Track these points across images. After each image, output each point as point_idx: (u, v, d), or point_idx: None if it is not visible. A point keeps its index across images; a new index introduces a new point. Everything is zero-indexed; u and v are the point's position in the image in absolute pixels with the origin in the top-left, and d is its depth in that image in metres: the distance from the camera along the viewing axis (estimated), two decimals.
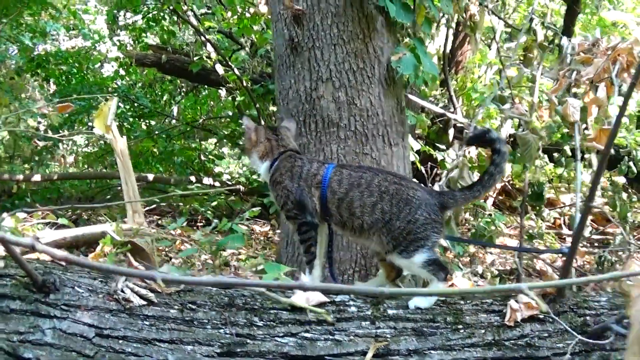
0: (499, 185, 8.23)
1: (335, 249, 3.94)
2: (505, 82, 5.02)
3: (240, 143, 3.20)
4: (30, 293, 2.48)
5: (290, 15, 4.07)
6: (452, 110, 7.99)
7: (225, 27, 9.31)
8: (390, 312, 2.70)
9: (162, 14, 12.06)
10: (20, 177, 10.33)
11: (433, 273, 2.82)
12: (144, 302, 2.54)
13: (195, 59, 9.17)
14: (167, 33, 12.40)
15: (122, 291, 2.56)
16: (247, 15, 8.41)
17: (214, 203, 9.40)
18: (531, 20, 5.15)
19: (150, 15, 12.03)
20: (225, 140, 11.17)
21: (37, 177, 10.29)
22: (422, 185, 3.21)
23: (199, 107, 13.11)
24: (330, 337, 2.53)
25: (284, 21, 4.14)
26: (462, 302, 2.83)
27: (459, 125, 7.96)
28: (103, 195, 11.99)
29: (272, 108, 8.69)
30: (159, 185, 10.93)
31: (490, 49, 9.95)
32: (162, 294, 2.60)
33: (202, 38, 9.21)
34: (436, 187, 4.01)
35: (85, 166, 15.17)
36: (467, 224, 7.69)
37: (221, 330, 2.49)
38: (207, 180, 9.83)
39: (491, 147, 3.01)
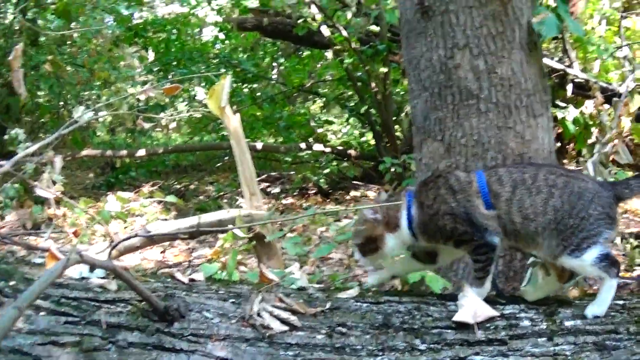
0: None
1: None
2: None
3: (358, 242, 2.74)
4: (151, 322, 2.23)
5: None
6: (568, 64, 7.52)
7: None
8: (567, 323, 2.34)
9: None
10: (124, 152, 10.35)
11: (605, 270, 2.47)
12: (286, 328, 2.23)
13: (299, 21, 8.89)
14: None
15: (259, 315, 2.26)
16: None
17: (326, 170, 9.18)
18: None
19: None
20: (333, 103, 10.90)
21: (141, 152, 10.31)
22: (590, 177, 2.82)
23: (302, 70, 12.85)
24: (505, 359, 2.20)
25: None
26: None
27: (577, 80, 7.50)
28: (211, 165, 12.00)
29: (383, 69, 8.34)
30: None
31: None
32: (306, 316, 2.31)
33: None
34: (589, 166, 3.57)
35: (189, 135, 15.27)
36: None
37: (378, 359, 2.18)
38: (317, 147, 9.60)
39: None
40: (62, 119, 12.23)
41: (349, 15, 8.67)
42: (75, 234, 4.56)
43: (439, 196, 2.67)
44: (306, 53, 12.83)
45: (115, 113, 4.39)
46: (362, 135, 12.10)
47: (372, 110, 9.66)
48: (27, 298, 1.86)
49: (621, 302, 2.52)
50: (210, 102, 3.75)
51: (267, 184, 10.08)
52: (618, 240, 5.64)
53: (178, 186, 10.70)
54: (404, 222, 2.70)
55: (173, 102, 11.39)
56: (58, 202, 7.55)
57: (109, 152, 10.16)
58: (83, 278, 2.48)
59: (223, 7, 13.46)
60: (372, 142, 10.84)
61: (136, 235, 2.70)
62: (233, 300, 2.39)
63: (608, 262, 2.48)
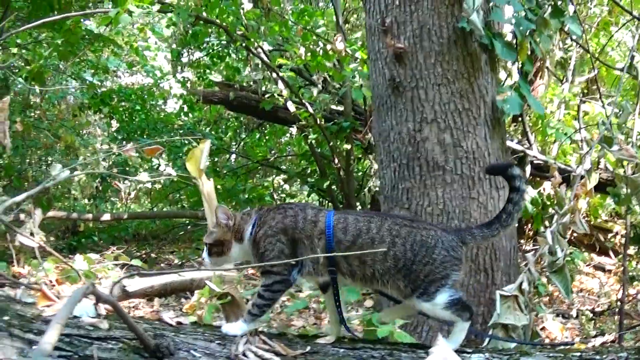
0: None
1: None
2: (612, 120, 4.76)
3: (208, 242, 2.79)
4: (142, 359, 2.29)
5: (391, 53, 3.92)
6: (527, 146, 7.79)
7: (298, 64, 9.23)
8: None
9: (226, 50, 12.12)
10: (90, 216, 10.35)
11: (457, 314, 2.59)
12: None
13: (266, 96, 9.10)
14: (231, 70, 12.44)
15: (245, 355, 2.35)
16: (319, 51, 8.33)
17: None
18: (632, 57, 4.91)
19: (214, 52, 12.10)
20: (294, 178, 11.06)
21: (106, 217, 10.29)
22: (435, 224, 2.97)
23: (265, 144, 13.04)
24: None
25: (384, 60, 3.99)
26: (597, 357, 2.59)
27: (536, 161, 7.75)
28: (172, 234, 11.99)
29: (346, 146, 8.55)
30: None
31: (562, 84, 9.72)
32: (288, 358, 2.39)
33: (274, 75, 9.14)
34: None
35: (147, 203, 15.26)
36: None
37: None
38: None
39: (511, 183, 2.81)
40: (26, 180, 12.19)
41: (315, 92, 8.90)
42: (58, 282, 4.57)
43: (281, 223, 2.77)
44: (268, 129, 13.05)
45: (90, 172, 4.44)
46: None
47: (333, 187, 9.82)
48: (61, 319, 1.93)
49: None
50: (189, 164, 3.83)
51: None
52: (574, 313, 5.83)
53: (139, 254, 10.67)
54: (247, 234, 2.81)
55: (136, 170, 11.41)
56: (31, 257, 7.53)
57: (74, 215, 10.14)
58: (75, 317, 2.52)
59: (188, 80, 13.65)
60: None
61: (137, 274, 2.77)
62: (219, 341, 2.46)
63: (459, 306, 2.60)
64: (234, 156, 13.90)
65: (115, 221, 11.14)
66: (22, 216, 3.92)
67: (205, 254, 2.83)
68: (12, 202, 3.66)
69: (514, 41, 4.05)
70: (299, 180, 11.68)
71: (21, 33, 10.17)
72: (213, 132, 12.95)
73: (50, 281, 4.51)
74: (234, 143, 14.17)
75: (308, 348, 2.47)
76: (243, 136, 13.86)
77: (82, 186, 13.03)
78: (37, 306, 2.68)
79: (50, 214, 9.84)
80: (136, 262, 6.42)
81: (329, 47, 7.66)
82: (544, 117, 7.67)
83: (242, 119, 13.39)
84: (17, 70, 10.42)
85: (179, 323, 2.73)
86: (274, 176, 12.71)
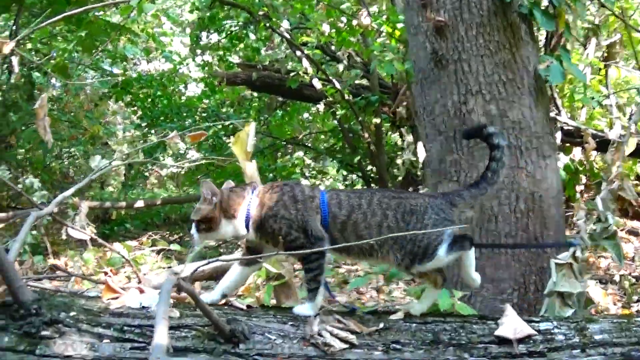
0: None
1: (491, 268, 3.79)
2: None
3: (195, 219, 2.73)
4: (217, 344, 2.32)
5: (431, 27, 3.91)
6: (556, 112, 7.74)
7: (323, 41, 9.21)
8: (596, 337, 2.49)
9: (244, 31, 12.09)
10: (123, 204, 10.39)
11: (458, 249, 2.65)
12: (345, 345, 2.35)
13: (291, 75, 9.10)
14: (252, 50, 12.42)
15: (320, 334, 2.38)
16: (343, 26, 8.31)
17: None
18: None
19: (232, 33, 12.07)
20: (325, 155, 11.06)
21: (140, 204, 10.32)
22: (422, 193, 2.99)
23: (290, 123, 13.04)
24: None
25: (425, 34, 3.99)
26: None
27: (566, 127, 7.70)
28: None
29: (375, 120, 8.54)
30: None
31: (586, 48, 9.62)
32: (363, 335, 2.43)
33: (298, 53, 9.13)
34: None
35: (172, 188, 15.33)
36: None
37: None
38: None
39: (489, 142, 2.84)
40: (54, 173, 12.30)
41: (340, 68, 8.90)
42: (105, 274, 4.61)
43: (280, 201, 2.76)
44: (291, 107, 13.04)
45: (131, 162, 4.48)
46: (350, 186, 12.28)
47: (364, 162, 9.84)
48: (163, 313, 1.95)
49: None
50: (235, 147, 3.83)
51: None
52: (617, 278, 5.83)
53: (172, 238, 10.73)
54: (241, 214, 2.78)
55: (162, 156, 11.43)
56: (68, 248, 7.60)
57: (107, 203, 10.17)
58: (143, 307, 2.55)
59: (208, 62, 13.64)
60: None
61: (208, 263, 2.77)
62: (292, 323, 2.49)
63: (458, 243, 2.65)
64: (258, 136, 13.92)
65: (147, 207, 11.18)
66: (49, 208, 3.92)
67: (193, 230, 2.80)
68: (62, 197, 3.69)
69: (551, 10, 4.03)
70: (326, 157, 11.69)
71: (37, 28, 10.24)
72: (236, 114, 12.94)
73: (106, 272, 4.56)
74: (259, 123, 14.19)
75: (381, 324, 2.49)
76: (266, 116, 13.86)
77: (114, 175, 13.10)
78: (102, 299, 2.68)
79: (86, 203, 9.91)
80: (175, 247, 6.49)
81: (354, 22, 7.62)
82: (585, 85, 7.56)
83: (265, 98, 13.39)
84: (32, 65, 10.47)
85: (249, 307, 2.74)
86: (302, 154, 12.69)
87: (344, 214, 2.71)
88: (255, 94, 13.11)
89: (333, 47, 10.11)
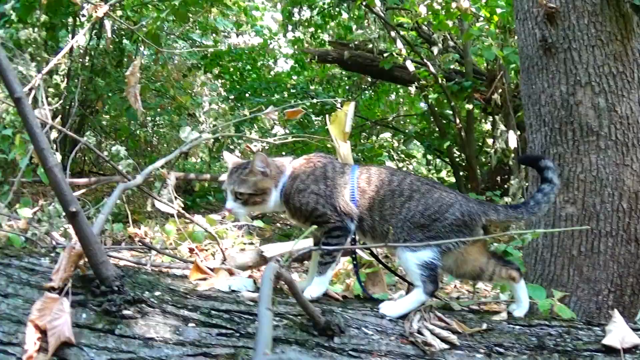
0: None
1: (588, 267, 3.65)
2: None
3: (246, 192, 2.60)
4: (310, 336, 2.25)
5: (542, 13, 3.78)
6: None
7: (420, 23, 9.09)
8: None
9: (338, 9, 12.04)
10: (207, 176, 10.49)
11: (424, 280, 2.49)
12: (446, 346, 2.27)
13: (384, 55, 9.01)
14: (343, 29, 12.36)
15: (420, 333, 2.31)
16: (441, 9, 8.16)
17: None
18: None
19: (325, 10, 12.02)
20: (412, 139, 10.96)
21: (224, 177, 10.37)
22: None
23: (377, 104, 12.96)
24: None
25: (534, 20, 3.85)
26: None
27: None
28: None
29: (468, 106, 8.39)
30: None
31: None
32: (465, 335, 2.35)
33: (393, 34, 9.03)
34: None
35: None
36: None
37: None
38: None
39: (543, 175, 2.76)
40: (139, 141, 12.52)
41: (435, 51, 8.77)
42: (190, 250, 4.66)
43: (312, 175, 2.73)
44: (380, 88, 12.94)
45: (220, 135, 4.47)
46: (437, 171, 12.15)
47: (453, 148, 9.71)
48: (266, 304, 1.87)
49: None
50: (332, 126, 3.80)
51: None
52: None
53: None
54: (280, 185, 2.75)
55: (249, 126, 11.47)
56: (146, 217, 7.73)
57: (192, 175, 10.28)
58: (232, 291, 2.52)
59: (300, 39, 13.66)
60: (448, 178, 10.85)
61: (311, 249, 2.73)
62: (390, 318, 2.42)
63: (432, 275, 2.50)
64: None
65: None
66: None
67: (235, 203, 2.72)
68: (152, 168, 3.72)
69: None
70: (411, 140, 11.57)
71: None
72: (325, 92, 12.93)
73: (192, 249, 4.59)
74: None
75: (484, 325, 2.42)
76: (355, 95, 13.80)
77: (202, 147, 13.25)
78: (189, 280, 2.67)
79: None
80: (259, 223, 6.48)
81: (453, 5, 7.47)
82: None
83: (354, 78, 13.32)
84: (123, 32, 10.63)
85: (345, 297, 2.70)
86: (388, 135, 12.60)
87: (373, 190, 2.68)
88: (344, 73, 13.04)
89: (426, 30, 9.99)
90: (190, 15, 10.30)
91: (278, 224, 10.07)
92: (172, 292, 2.43)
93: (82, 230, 2.25)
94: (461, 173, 9.91)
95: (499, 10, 7.12)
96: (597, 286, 3.65)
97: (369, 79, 12.82)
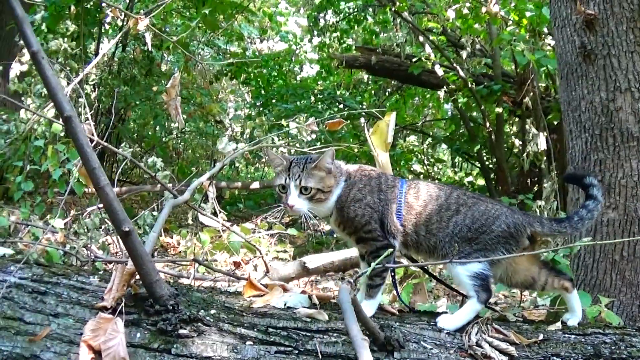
0: None
1: (631, 272, 3.67)
2: None
3: (314, 186, 2.58)
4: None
5: (581, 20, 3.80)
6: None
7: (449, 27, 9.12)
8: None
9: (363, 14, 12.05)
10: (239, 184, 10.57)
11: (477, 290, 2.52)
12: (505, 358, 2.30)
13: (414, 60, 9.04)
14: (369, 33, 12.38)
15: (479, 345, 2.33)
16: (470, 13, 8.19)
17: None
18: None
19: (350, 16, 12.04)
20: (441, 143, 10.97)
21: (255, 185, 10.45)
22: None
23: (404, 108, 12.97)
24: None
25: (573, 27, 3.88)
26: None
27: None
28: None
29: (497, 110, 8.40)
30: None
31: None
32: (522, 346, 2.37)
33: (421, 38, 9.06)
34: None
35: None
36: None
37: None
38: None
39: (588, 192, 2.76)
40: (167, 149, 12.60)
41: (464, 55, 8.79)
42: (236, 264, 4.70)
43: (368, 185, 2.70)
44: (406, 92, 12.94)
45: (260, 146, 4.49)
46: (465, 175, 12.13)
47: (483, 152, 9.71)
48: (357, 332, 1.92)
49: None
50: (374, 137, 3.79)
51: None
52: None
53: (284, 221, 10.77)
54: (340, 188, 2.68)
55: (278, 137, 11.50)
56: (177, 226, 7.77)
57: (223, 183, 10.33)
58: (288, 308, 2.50)
59: (325, 44, 13.69)
60: (478, 182, 10.84)
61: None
62: (448, 332, 2.43)
63: (484, 284, 2.52)
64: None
65: (262, 189, 11.24)
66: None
67: (300, 199, 2.61)
68: (198, 183, 3.72)
69: None
70: (440, 144, 11.59)
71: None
72: (352, 97, 12.93)
73: (238, 264, 4.60)
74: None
75: (540, 336, 2.44)
76: (381, 100, 13.80)
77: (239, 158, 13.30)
78: (244, 297, 2.63)
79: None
80: (293, 231, 6.50)
81: (483, 9, 7.49)
82: None
83: (380, 82, 13.32)
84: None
85: (400, 311, 2.71)
86: (413, 138, 12.61)
87: (420, 205, 2.67)
88: (371, 78, 13.07)
89: (453, 34, 10.00)
90: (222, 24, 10.37)
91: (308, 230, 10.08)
92: (228, 310, 2.43)
93: (135, 250, 2.25)
94: (491, 176, 9.90)
95: (528, 14, 7.12)
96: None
97: (395, 83, 12.82)
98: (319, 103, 11.72)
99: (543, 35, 7.37)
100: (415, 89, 12.67)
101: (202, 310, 2.36)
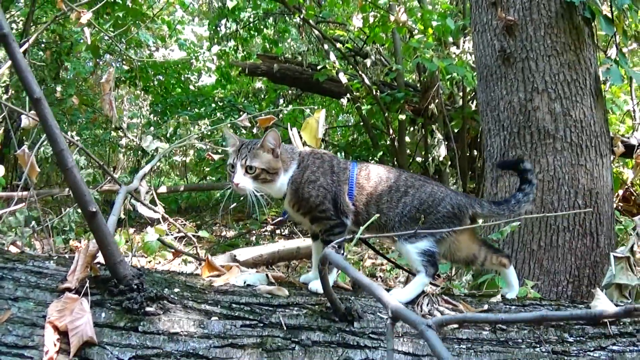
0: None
1: (548, 260, 3.93)
2: None
3: (258, 166, 2.68)
4: (331, 322, 2.36)
5: (501, 25, 4.05)
6: None
7: (355, 36, 9.31)
8: None
9: (263, 23, 12.14)
10: (181, 187, 10.45)
11: (425, 265, 2.69)
12: (456, 326, 2.44)
13: (318, 68, 9.17)
14: (269, 42, 12.47)
15: (431, 314, 2.49)
16: (376, 22, 8.39)
17: None
18: None
19: (251, 24, 12.10)
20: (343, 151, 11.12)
21: (163, 189, 10.32)
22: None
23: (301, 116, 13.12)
24: (635, 347, 2.47)
25: (493, 31, 4.13)
26: None
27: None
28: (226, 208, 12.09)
29: (401, 117, 8.65)
30: None
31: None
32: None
33: (327, 46, 9.21)
34: None
35: (175, 177, 15.35)
36: None
37: (537, 349, 2.44)
38: None
39: (523, 176, 2.97)
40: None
41: (368, 63, 8.99)
42: (175, 254, 4.68)
43: (321, 168, 2.84)
44: (306, 101, 13.11)
45: (186, 143, 4.50)
46: None
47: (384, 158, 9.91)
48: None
49: None
50: (304, 133, 3.90)
51: None
52: None
53: (195, 224, 10.72)
54: (291, 170, 2.81)
55: (179, 138, 11.43)
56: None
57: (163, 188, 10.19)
58: (248, 285, 2.60)
59: (225, 52, 13.67)
60: None
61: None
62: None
63: (431, 259, 2.71)
64: None
65: (168, 194, 11.12)
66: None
67: (244, 177, 2.71)
68: (143, 173, 3.75)
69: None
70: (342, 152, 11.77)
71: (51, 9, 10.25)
72: (251, 105, 12.96)
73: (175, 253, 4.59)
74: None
75: (485, 306, 2.62)
76: (280, 108, 13.88)
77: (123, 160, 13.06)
78: (202, 277, 2.70)
79: (106, 187, 9.90)
80: (203, 233, 6.52)
81: (391, 18, 7.70)
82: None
83: (280, 91, 13.41)
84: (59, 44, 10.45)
85: (354, 286, 2.83)
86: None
87: (371, 186, 2.82)
88: (270, 86, 13.13)
89: (354, 45, 10.21)
90: (133, 28, 10.23)
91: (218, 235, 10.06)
92: (190, 288, 2.48)
93: (101, 230, 2.27)
94: None
95: (434, 24, 7.41)
96: (557, 278, 3.93)
97: (294, 92, 12.95)
98: (220, 110, 11.69)
99: (448, 45, 7.67)
100: (313, 98, 12.84)
101: (166, 289, 2.40)
